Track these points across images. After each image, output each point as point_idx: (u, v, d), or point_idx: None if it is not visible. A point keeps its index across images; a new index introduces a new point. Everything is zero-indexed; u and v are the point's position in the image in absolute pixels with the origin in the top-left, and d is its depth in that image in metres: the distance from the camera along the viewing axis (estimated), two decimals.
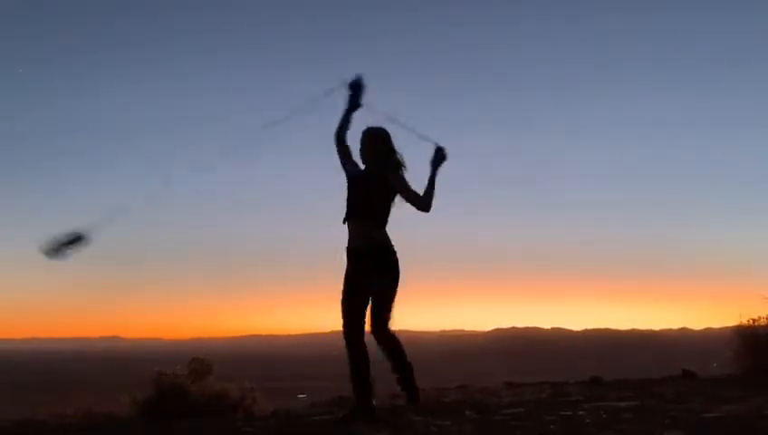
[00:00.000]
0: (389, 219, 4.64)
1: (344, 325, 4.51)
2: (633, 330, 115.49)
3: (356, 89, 4.69)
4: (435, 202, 4.61)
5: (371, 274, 4.49)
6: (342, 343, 4.51)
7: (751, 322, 7.69)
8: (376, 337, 4.55)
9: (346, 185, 4.68)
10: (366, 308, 4.52)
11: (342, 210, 4.61)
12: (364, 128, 4.74)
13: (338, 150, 4.80)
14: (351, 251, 4.58)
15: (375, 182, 4.61)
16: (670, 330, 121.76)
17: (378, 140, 4.68)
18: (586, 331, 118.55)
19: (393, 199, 4.63)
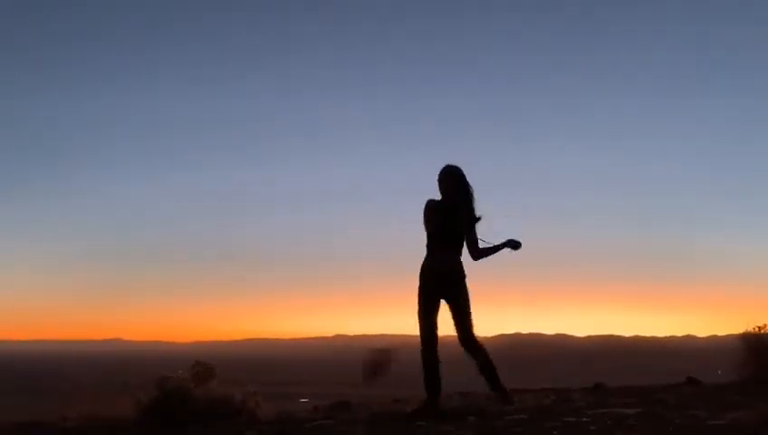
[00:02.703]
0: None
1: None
2: (637, 336, 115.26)
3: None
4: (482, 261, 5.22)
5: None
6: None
7: (756, 329, 7.67)
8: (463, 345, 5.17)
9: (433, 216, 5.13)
10: None
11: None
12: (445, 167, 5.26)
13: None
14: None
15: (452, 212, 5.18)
16: (675, 337, 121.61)
17: (452, 178, 5.23)
18: (590, 337, 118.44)
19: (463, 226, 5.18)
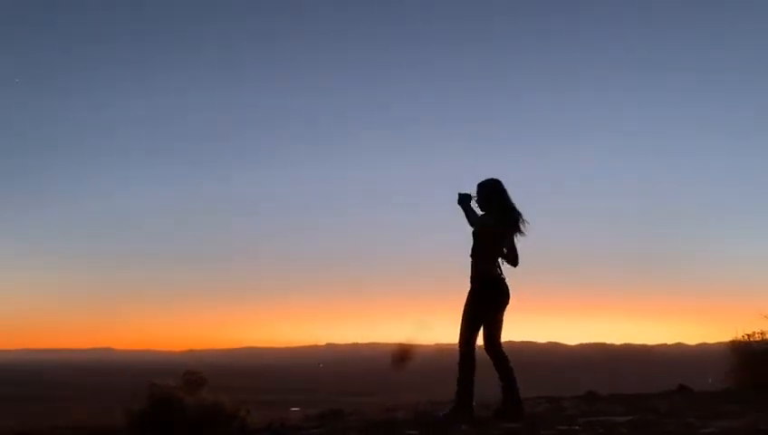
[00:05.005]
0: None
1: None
2: (628, 344, 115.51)
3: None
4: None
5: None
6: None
7: (745, 337, 7.72)
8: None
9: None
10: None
11: None
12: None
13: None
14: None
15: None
16: (665, 345, 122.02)
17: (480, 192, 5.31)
18: (581, 345, 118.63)
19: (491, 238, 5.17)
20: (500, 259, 5.20)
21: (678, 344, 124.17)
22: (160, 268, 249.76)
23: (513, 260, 5.22)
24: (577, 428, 4.54)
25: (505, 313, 5.22)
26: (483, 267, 5.16)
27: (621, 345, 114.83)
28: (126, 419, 5.57)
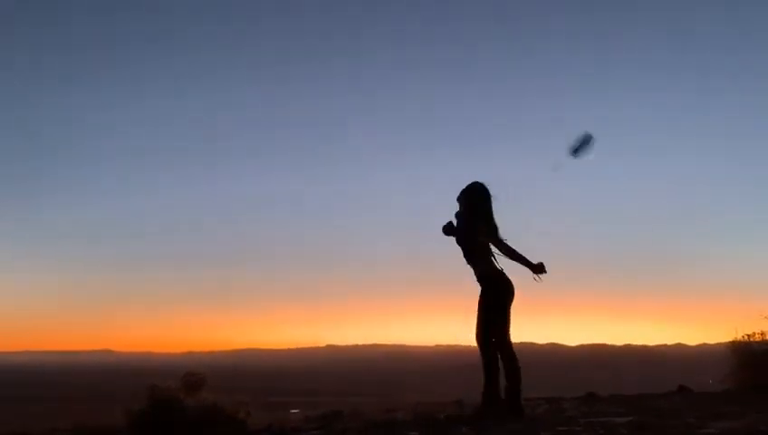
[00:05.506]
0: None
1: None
2: (628, 345, 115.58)
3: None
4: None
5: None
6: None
7: (745, 338, 7.73)
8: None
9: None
10: None
11: None
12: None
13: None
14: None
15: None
16: (665, 345, 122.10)
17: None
18: (581, 346, 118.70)
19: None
20: (494, 253, 5.24)
21: (678, 345, 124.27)
22: (160, 270, 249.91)
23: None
24: (578, 429, 4.54)
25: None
26: (482, 268, 5.23)
27: (622, 346, 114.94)
28: (126, 419, 5.56)
